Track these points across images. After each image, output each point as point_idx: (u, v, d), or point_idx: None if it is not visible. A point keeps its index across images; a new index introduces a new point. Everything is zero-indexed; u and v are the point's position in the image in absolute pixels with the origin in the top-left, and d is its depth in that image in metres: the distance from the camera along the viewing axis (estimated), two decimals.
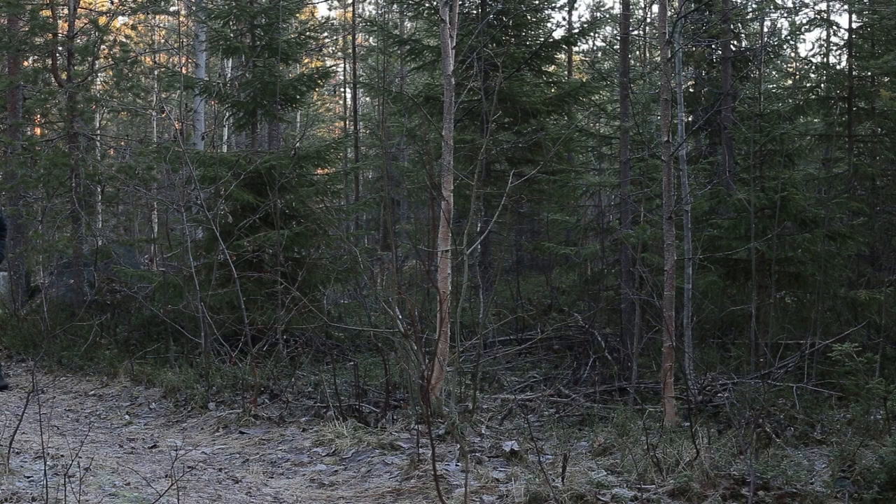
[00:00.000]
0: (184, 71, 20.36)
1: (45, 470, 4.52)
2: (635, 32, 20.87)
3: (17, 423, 5.21)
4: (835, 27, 13.59)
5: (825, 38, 17.17)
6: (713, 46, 12.70)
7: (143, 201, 17.24)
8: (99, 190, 14.20)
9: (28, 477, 4.73)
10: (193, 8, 14.47)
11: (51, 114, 14.03)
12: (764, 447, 5.15)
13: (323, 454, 5.49)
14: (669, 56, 6.28)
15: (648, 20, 22.47)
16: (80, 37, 13.36)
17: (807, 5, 18.26)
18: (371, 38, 26.27)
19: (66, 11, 13.01)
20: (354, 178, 20.20)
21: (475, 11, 13.31)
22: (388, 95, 14.87)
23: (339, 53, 27.73)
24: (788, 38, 16.61)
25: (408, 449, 5.31)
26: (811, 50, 43.69)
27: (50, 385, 8.13)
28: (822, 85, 12.54)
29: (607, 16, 22.61)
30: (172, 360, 8.27)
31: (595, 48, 25.41)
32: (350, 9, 27.23)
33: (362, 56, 25.85)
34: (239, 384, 7.05)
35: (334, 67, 26.92)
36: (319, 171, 11.15)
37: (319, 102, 29.20)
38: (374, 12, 26.80)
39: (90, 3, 17.60)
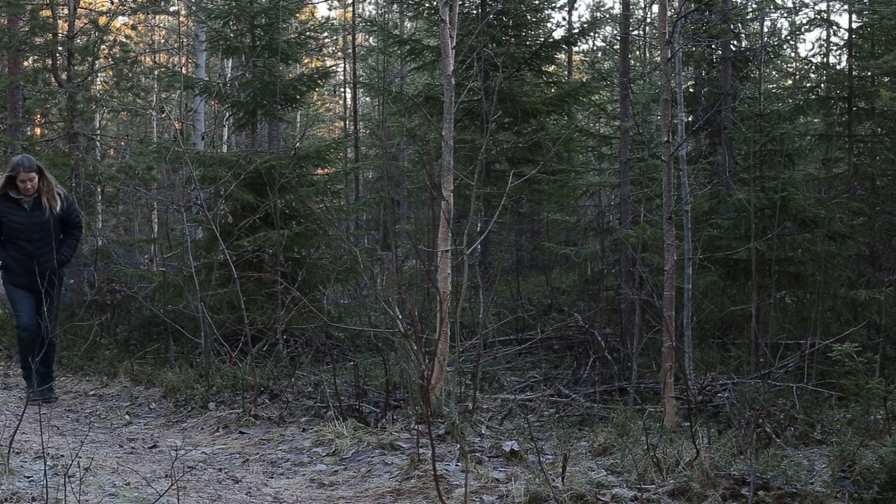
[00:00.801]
0: (184, 71, 20.36)
1: (45, 470, 4.51)
2: (635, 32, 20.86)
3: (17, 423, 5.21)
4: (835, 27, 13.60)
5: (825, 38, 17.20)
6: (713, 46, 12.70)
7: (143, 201, 17.25)
8: (99, 190, 14.21)
9: (28, 477, 4.73)
10: (193, 8, 14.47)
11: (51, 114, 14.04)
12: (764, 447, 5.15)
13: (323, 454, 5.49)
14: (669, 56, 6.28)
15: (648, 20, 22.48)
16: (80, 37, 13.36)
17: (807, 5, 18.27)
18: (371, 38, 26.27)
19: (66, 11, 13.02)
20: (354, 178, 20.20)
21: (475, 11, 13.31)
22: (388, 95, 14.87)
23: (339, 53, 27.74)
24: (788, 38, 16.62)
25: (408, 449, 5.31)
26: (811, 50, 43.73)
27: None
28: (822, 85, 12.54)
29: (607, 16, 22.62)
30: (172, 360, 8.27)
31: (595, 48, 25.42)
32: (350, 9, 27.24)
33: (362, 56, 25.86)
34: (239, 384, 7.05)
35: (334, 67, 26.94)
36: (319, 171, 11.15)
37: (319, 102, 29.22)
38: (374, 12, 26.81)
39: (90, 3, 17.60)
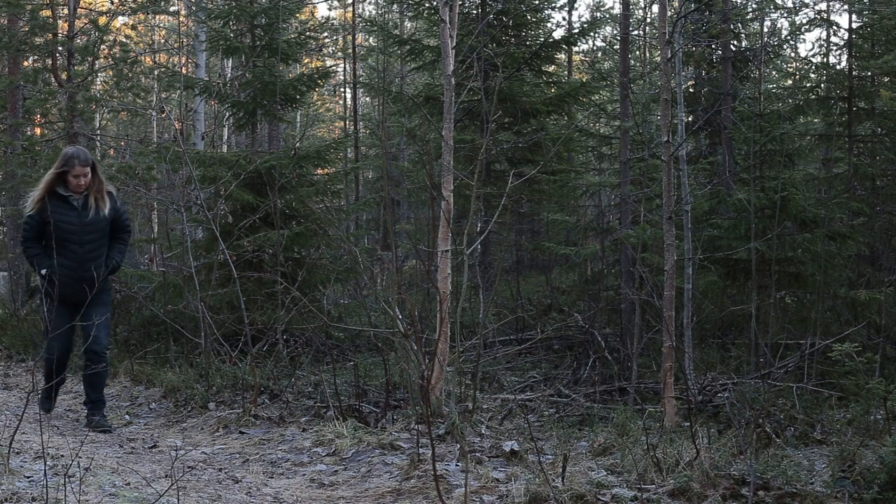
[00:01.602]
0: (184, 71, 20.37)
1: (45, 470, 4.51)
2: (635, 32, 20.87)
3: (17, 423, 5.21)
4: (835, 27, 13.60)
5: (825, 38, 17.20)
6: (713, 46, 12.70)
7: (143, 201, 17.25)
8: None
9: (28, 477, 4.73)
10: (193, 8, 14.47)
11: (51, 114, 14.03)
12: (764, 447, 5.15)
13: (323, 454, 5.49)
14: (669, 56, 6.28)
15: (648, 20, 22.48)
16: (80, 37, 13.36)
17: (807, 5, 18.29)
18: (371, 38, 26.28)
19: (66, 11, 13.02)
20: (354, 178, 20.20)
21: (475, 11, 13.31)
22: (388, 95, 14.87)
23: (339, 53, 27.73)
24: (788, 38, 16.65)
25: (408, 449, 5.31)
26: (811, 50, 43.74)
27: None
28: (822, 85, 12.54)
29: (607, 16, 22.62)
30: (172, 360, 8.27)
31: (595, 48, 25.42)
32: (350, 9, 27.24)
33: (362, 56, 25.86)
34: (239, 384, 7.05)
35: (334, 67, 26.94)
36: (319, 171, 11.15)
37: (319, 102, 29.22)
38: (374, 12, 26.81)
39: (90, 3, 17.61)
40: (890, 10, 10.84)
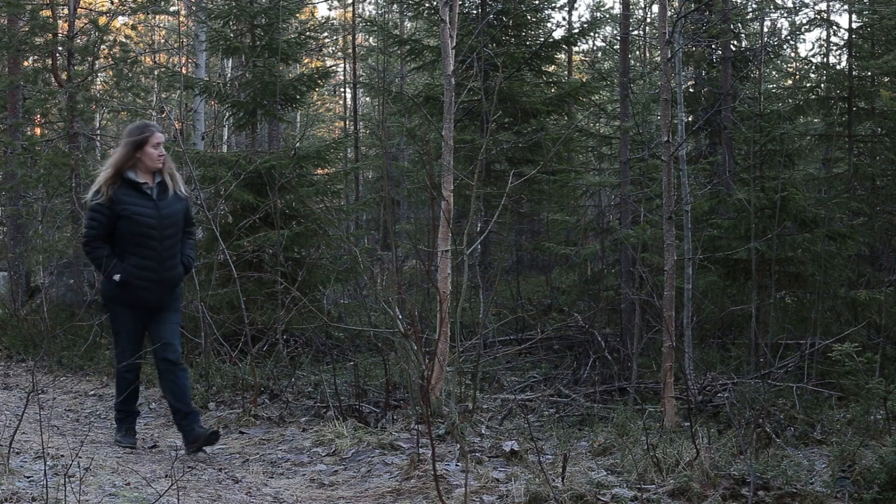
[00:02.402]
0: (184, 71, 20.35)
1: (45, 470, 4.51)
2: (635, 32, 20.86)
3: (17, 423, 5.21)
4: (835, 27, 13.60)
5: (825, 38, 17.19)
6: (713, 46, 12.70)
7: None
8: None
9: (28, 477, 4.73)
10: (193, 8, 14.47)
11: (51, 114, 14.04)
12: (764, 447, 5.15)
13: (323, 454, 5.49)
14: (669, 56, 6.28)
15: (648, 20, 22.48)
16: (80, 37, 13.36)
17: (807, 5, 18.29)
18: (371, 38, 26.28)
19: (66, 11, 13.02)
20: (354, 178, 20.20)
21: (475, 11, 13.31)
22: (388, 95, 14.87)
23: (339, 53, 27.73)
24: (788, 38, 16.64)
25: (408, 449, 5.31)
26: (811, 50, 43.74)
27: (50, 385, 8.13)
28: (822, 85, 12.55)
29: (607, 16, 22.60)
30: None
31: (595, 48, 25.42)
32: (350, 9, 27.24)
33: (362, 56, 25.86)
34: (239, 384, 7.06)
35: (334, 67, 26.93)
36: (319, 171, 11.15)
37: (319, 102, 29.21)
38: (374, 12, 26.81)
39: (90, 3, 17.61)
40: (890, 10, 10.84)
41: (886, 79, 11.60)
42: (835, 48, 16.68)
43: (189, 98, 18.31)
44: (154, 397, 7.45)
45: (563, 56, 18.30)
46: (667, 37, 6.25)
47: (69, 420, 6.89)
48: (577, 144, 14.31)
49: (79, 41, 12.84)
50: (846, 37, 11.84)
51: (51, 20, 12.42)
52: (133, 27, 19.13)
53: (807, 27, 16.45)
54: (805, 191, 9.26)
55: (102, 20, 12.95)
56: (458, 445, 5.22)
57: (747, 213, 8.07)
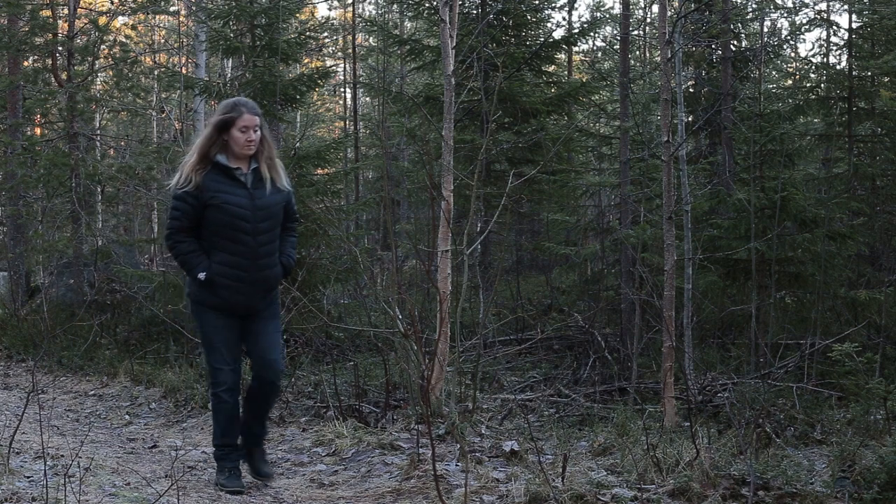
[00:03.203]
0: (184, 71, 20.35)
1: (45, 470, 4.51)
2: (635, 32, 20.86)
3: (17, 423, 5.21)
4: (835, 27, 13.61)
5: (825, 38, 17.20)
6: (713, 46, 12.70)
7: (143, 201, 17.25)
8: (99, 190, 14.21)
9: (28, 477, 4.73)
10: (193, 8, 14.47)
11: (51, 114, 14.04)
12: (764, 447, 5.15)
13: (323, 454, 5.49)
14: (669, 56, 6.29)
15: (648, 20, 22.48)
16: (80, 37, 13.37)
17: (807, 5, 18.29)
18: (371, 38, 26.27)
19: (66, 11, 13.02)
20: (354, 178, 20.20)
21: (475, 11, 13.31)
22: (388, 95, 14.87)
23: (339, 53, 27.73)
24: (788, 38, 16.64)
25: (408, 449, 5.31)
26: (811, 50, 43.74)
27: (50, 385, 8.13)
28: (822, 85, 12.55)
29: (607, 16, 22.60)
30: (172, 360, 8.27)
31: (595, 48, 25.42)
32: (350, 9, 27.24)
33: (362, 56, 25.86)
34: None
35: (334, 67, 26.93)
36: (319, 171, 11.15)
37: (319, 102, 29.21)
38: (374, 12, 26.81)
39: (90, 3, 17.61)
40: (890, 10, 10.85)
41: (886, 79, 11.60)
42: (835, 48, 16.70)
43: (189, 98, 18.31)
44: (154, 397, 7.45)
45: (563, 56, 18.30)
46: (667, 37, 6.25)
47: (69, 420, 6.89)
48: (577, 144, 14.31)
49: (79, 41, 12.84)
50: (846, 37, 11.85)
51: (51, 20, 12.42)
52: (133, 27, 19.13)
53: (807, 27, 16.46)
54: (805, 191, 9.26)
55: (102, 20, 12.95)
56: (458, 445, 5.22)
57: (747, 213, 8.07)
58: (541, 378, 8.03)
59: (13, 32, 12.29)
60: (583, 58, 24.70)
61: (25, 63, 14.40)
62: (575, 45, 15.96)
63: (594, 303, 9.87)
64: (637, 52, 22.29)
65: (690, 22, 12.19)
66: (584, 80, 15.27)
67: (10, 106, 12.70)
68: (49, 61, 12.94)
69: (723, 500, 4.12)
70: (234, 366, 4.64)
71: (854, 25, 11.84)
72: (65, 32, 12.87)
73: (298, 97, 10.37)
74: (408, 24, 24.69)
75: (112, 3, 14.41)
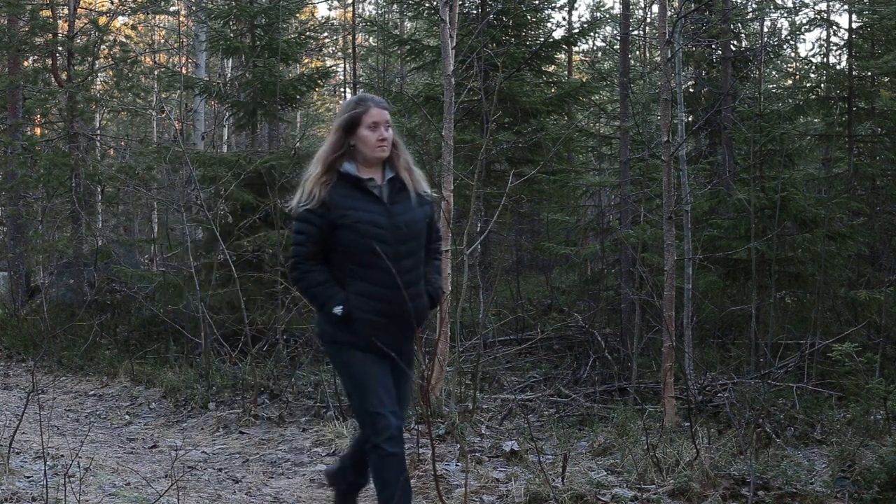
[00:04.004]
0: (184, 71, 20.35)
1: (45, 470, 4.51)
2: (635, 32, 20.86)
3: (17, 423, 5.21)
4: (835, 27, 13.62)
5: (825, 38, 17.21)
6: (713, 46, 12.70)
7: (143, 201, 17.26)
8: (99, 190, 14.22)
9: (28, 477, 4.73)
10: (193, 8, 14.48)
11: (51, 114, 14.05)
12: (764, 447, 5.15)
13: (323, 454, 5.49)
14: (669, 56, 6.29)
15: (648, 20, 22.48)
16: (80, 37, 13.37)
17: (807, 5, 18.28)
18: (371, 38, 26.28)
19: (66, 11, 13.03)
20: None
21: (475, 11, 13.31)
22: (388, 95, 14.86)
23: (339, 53, 27.73)
24: (788, 38, 16.63)
25: (408, 449, 5.31)
26: (811, 50, 43.72)
27: (50, 385, 8.13)
28: (822, 85, 12.56)
29: (607, 16, 22.60)
30: (172, 360, 8.27)
31: (595, 48, 25.42)
32: (350, 9, 27.25)
33: (362, 56, 25.85)
34: (239, 384, 7.06)
35: (334, 67, 26.93)
36: None
37: (319, 102, 29.21)
38: (374, 12, 26.81)
39: (90, 3, 17.61)
40: (890, 10, 10.85)
41: (886, 79, 11.60)
42: (835, 48, 16.70)
43: (189, 98, 18.31)
44: (154, 397, 7.45)
45: (563, 56, 18.29)
46: (667, 37, 6.25)
47: (69, 420, 6.89)
48: (577, 144, 14.31)
49: (79, 41, 12.84)
50: (846, 37, 11.85)
51: (51, 20, 12.42)
52: (133, 27, 19.13)
53: (807, 27, 16.46)
54: (805, 191, 9.26)
55: (102, 20, 12.95)
56: (458, 445, 5.22)
57: (747, 213, 8.07)
58: (541, 378, 8.03)
59: (13, 32, 12.29)
60: (583, 58, 24.70)
61: (25, 63, 14.40)
62: (575, 45, 15.95)
63: (594, 303, 9.87)
64: (637, 52, 22.29)
65: (690, 22, 12.19)
66: (584, 80, 15.27)
67: (10, 106, 12.71)
68: (49, 61, 12.94)
69: (723, 500, 4.12)
70: (395, 409, 3.69)
71: (854, 25, 11.85)
72: (65, 32, 12.87)
73: (298, 97, 10.38)
74: (408, 24, 24.69)
75: (112, 3, 14.41)
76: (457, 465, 4.95)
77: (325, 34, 24.21)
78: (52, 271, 13.38)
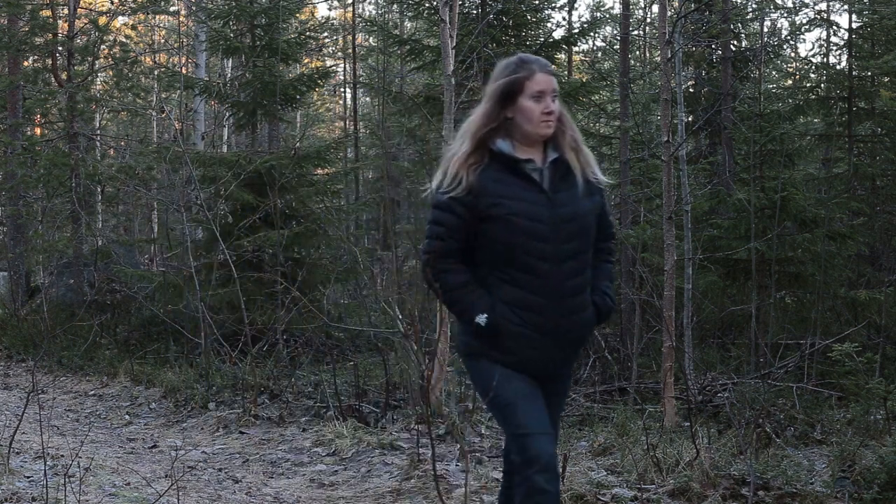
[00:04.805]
0: (184, 71, 20.35)
1: (45, 470, 4.51)
2: (635, 32, 20.86)
3: (17, 423, 5.21)
4: (835, 27, 13.61)
5: (825, 38, 17.21)
6: (713, 46, 12.70)
7: (143, 201, 17.25)
8: (99, 190, 14.23)
9: (28, 477, 4.73)
10: (193, 8, 14.48)
11: (51, 114, 14.05)
12: (764, 447, 5.15)
13: (323, 454, 5.49)
14: (669, 56, 6.29)
15: (648, 20, 22.48)
16: (80, 37, 13.37)
17: (807, 5, 18.27)
18: (371, 38, 26.27)
19: (66, 11, 13.03)
20: (354, 178, 20.19)
21: (475, 11, 13.29)
22: (388, 95, 14.85)
23: (339, 53, 27.74)
24: (788, 38, 16.63)
25: (408, 449, 5.31)
26: (811, 50, 43.72)
27: (50, 385, 8.13)
28: (822, 85, 12.55)
29: (607, 16, 22.59)
30: (172, 360, 8.27)
31: (595, 48, 25.41)
32: (350, 9, 27.25)
33: (362, 56, 25.85)
34: (239, 384, 7.05)
35: (334, 67, 26.93)
36: (319, 171, 11.16)
37: (319, 102, 29.21)
38: (374, 12, 26.81)
39: (90, 3, 17.61)
40: (890, 10, 10.85)
41: (886, 79, 11.60)
42: (835, 48, 16.70)
43: (189, 98, 18.31)
44: (154, 397, 7.45)
45: (563, 56, 18.27)
46: (667, 37, 6.25)
47: (69, 420, 6.89)
48: None
49: (79, 41, 12.84)
50: (846, 37, 11.85)
51: (51, 20, 12.42)
52: (133, 27, 19.14)
53: (807, 27, 16.45)
54: (805, 191, 9.26)
55: (102, 20, 12.95)
56: (458, 445, 5.22)
57: (747, 213, 8.07)
58: None
59: (13, 32, 12.29)
60: (583, 58, 24.69)
61: (25, 63, 14.40)
62: (575, 45, 15.93)
63: None
64: (637, 52, 22.29)
65: (690, 22, 12.19)
66: (584, 80, 15.25)
67: (10, 106, 12.71)
68: (49, 61, 12.94)
69: (723, 500, 4.12)
70: (550, 430, 3.00)
71: (854, 25, 11.84)
72: (65, 32, 12.87)
73: (298, 97, 10.38)
74: (408, 24, 24.69)
75: (112, 3, 14.41)
76: (457, 465, 4.95)
77: (325, 34, 24.22)
78: (52, 271, 13.38)
